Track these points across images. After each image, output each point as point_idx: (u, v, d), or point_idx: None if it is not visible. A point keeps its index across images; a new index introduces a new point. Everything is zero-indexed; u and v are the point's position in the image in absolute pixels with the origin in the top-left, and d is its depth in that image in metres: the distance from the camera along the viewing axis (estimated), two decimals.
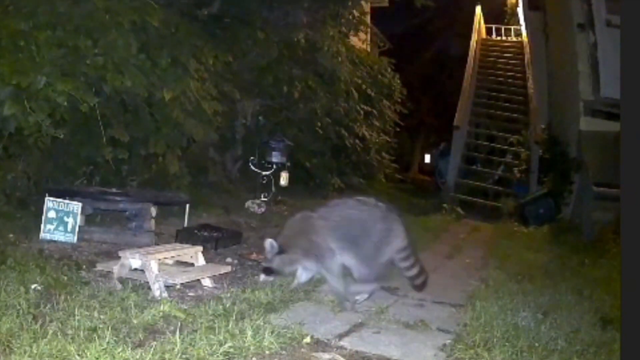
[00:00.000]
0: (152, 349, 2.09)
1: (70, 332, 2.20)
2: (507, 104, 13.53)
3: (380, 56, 14.67)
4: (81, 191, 4.68)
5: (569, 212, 8.82)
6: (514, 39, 17.11)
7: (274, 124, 8.65)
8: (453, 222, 8.74)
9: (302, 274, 3.34)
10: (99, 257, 3.78)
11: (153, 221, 4.51)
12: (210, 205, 6.29)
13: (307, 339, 2.45)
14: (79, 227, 4.23)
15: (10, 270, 3.02)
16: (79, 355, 2.00)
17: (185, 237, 4.37)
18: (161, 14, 5.05)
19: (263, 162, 6.99)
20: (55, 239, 4.12)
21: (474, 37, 15.68)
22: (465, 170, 12.52)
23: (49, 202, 4.18)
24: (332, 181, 9.74)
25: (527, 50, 14.46)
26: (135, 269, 3.09)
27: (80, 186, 5.12)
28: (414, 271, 3.37)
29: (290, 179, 6.83)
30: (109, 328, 2.22)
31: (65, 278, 3.02)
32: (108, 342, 2.09)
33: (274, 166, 6.93)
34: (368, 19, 13.41)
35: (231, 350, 2.21)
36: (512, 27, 17.49)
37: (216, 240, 4.50)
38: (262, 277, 3.29)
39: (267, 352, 2.27)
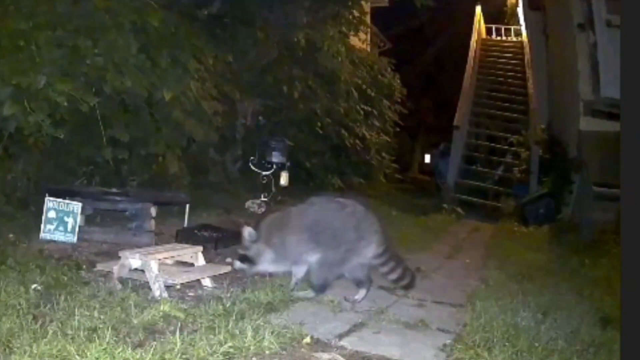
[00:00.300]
0: (152, 349, 2.09)
1: (70, 332, 2.19)
2: (507, 104, 13.53)
3: (380, 56, 14.67)
4: (81, 191, 4.67)
5: (569, 212, 8.82)
6: (514, 39, 17.12)
7: (274, 124, 8.66)
8: (453, 222, 8.75)
9: (298, 271, 3.32)
10: (99, 257, 3.78)
11: (153, 221, 4.51)
12: (210, 205, 6.29)
13: (307, 339, 2.44)
14: (79, 227, 4.23)
15: (10, 270, 3.02)
16: (79, 355, 1.99)
17: (185, 237, 4.37)
18: (161, 14, 5.05)
19: (263, 162, 6.99)
20: (55, 239, 4.12)
21: (474, 37, 15.69)
22: (465, 171, 12.53)
23: (49, 202, 4.18)
24: (332, 181, 9.74)
25: (527, 50, 14.47)
26: (135, 269, 3.09)
27: (80, 186, 5.12)
28: (394, 275, 3.26)
29: (290, 179, 6.84)
30: (109, 328, 2.22)
31: (65, 278, 3.02)
32: (108, 342, 2.09)
33: (274, 166, 6.93)
34: (368, 19, 13.42)
35: (231, 350, 2.21)
36: (512, 27, 17.50)
37: (216, 240, 4.49)
38: (237, 264, 3.33)
39: (267, 352, 2.27)
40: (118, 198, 4.60)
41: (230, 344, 2.23)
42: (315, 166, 9.40)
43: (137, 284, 3.10)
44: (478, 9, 16.78)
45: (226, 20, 7.14)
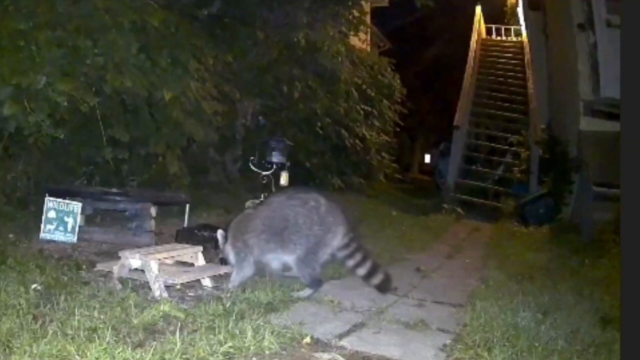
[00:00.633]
0: (152, 349, 2.09)
1: (70, 332, 2.19)
2: (507, 104, 13.53)
3: (380, 56, 14.68)
4: (81, 191, 4.67)
5: (569, 212, 8.82)
6: (514, 39, 17.12)
7: (274, 124, 8.66)
8: (453, 222, 8.75)
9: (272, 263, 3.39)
10: (99, 257, 3.78)
11: (153, 221, 4.51)
12: (210, 205, 6.29)
13: (307, 339, 2.44)
14: (79, 227, 4.23)
15: (10, 270, 3.02)
16: (79, 355, 1.99)
17: (185, 237, 4.37)
18: (161, 14, 5.05)
19: (263, 162, 6.97)
20: (55, 239, 4.12)
21: (474, 37, 15.69)
22: (465, 170, 12.52)
23: (49, 202, 4.18)
24: (332, 181, 9.75)
25: (527, 50, 14.47)
26: (135, 269, 3.09)
27: (80, 186, 5.12)
28: (363, 269, 3.24)
29: (290, 179, 6.81)
30: (109, 328, 2.22)
31: (65, 278, 3.02)
32: (108, 342, 2.09)
33: (274, 166, 6.91)
34: (368, 19, 13.41)
35: (231, 350, 2.21)
36: (512, 27, 17.50)
37: (216, 240, 4.49)
38: (223, 268, 3.43)
39: (267, 352, 2.27)
40: (118, 198, 4.60)
41: (230, 344, 2.23)
42: (315, 166, 9.41)
43: (137, 284, 3.10)
44: (478, 9, 16.78)
45: (226, 20, 7.14)
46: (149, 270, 3.00)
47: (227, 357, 2.17)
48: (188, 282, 3.23)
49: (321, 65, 9.41)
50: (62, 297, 2.63)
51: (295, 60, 8.82)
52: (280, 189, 6.83)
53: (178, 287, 3.17)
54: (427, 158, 23.55)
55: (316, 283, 3.22)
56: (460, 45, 16.18)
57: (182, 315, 2.57)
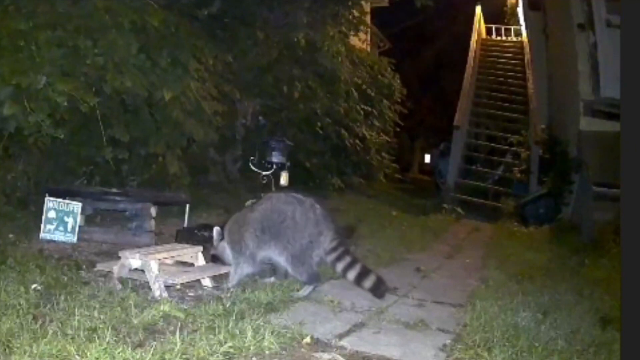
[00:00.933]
0: (152, 349, 2.09)
1: (70, 332, 2.19)
2: (507, 104, 13.54)
3: (380, 56, 14.68)
4: (81, 191, 4.67)
5: (569, 212, 8.83)
6: (514, 39, 17.13)
7: (274, 124, 8.65)
8: (453, 222, 8.75)
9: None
10: (99, 257, 3.78)
11: (153, 221, 4.51)
12: (210, 205, 6.29)
13: (307, 339, 2.44)
14: (79, 227, 4.23)
15: (10, 270, 3.02)
16: (79, 355, 1.99)
17: (185, 237, 4.37)
18: (161, 14, 5.05)
19: (263, 162, 6.97)
20: (55, 239, 4.12)
21: (474, 37, 15.69)
22: (465, 170, 12.53)
23: (49, 202, 4.18)
24: (332, 181, 9.75)
25: (527, 50, 14.48)
26: (135, 269, 3.09)
27: (80, 186, 5.12)
28: (353, 273, 3.20)
29: (290, 179, 6.82)
30: (109, 328, 2.22)
31: (65, 278, 3.02)
32: (108, 342, 2.09)
33: (274, 166, 6.91)
34: (368, 19, 13.42)
35: (231, 350, 2.21)
36: (512, 27, 17.50)
37: None
38: (222, 267, 3.44)
39: (267, 352, 2.27)
40: (118, 198, 4.60)
41: (230, 344, 2.23)
42: (315, 166, 9.40)
43: (137, 284, 3.10)
44: (478, 9, 16.79)
45: (226, 20, 7.14)
46: (149, 270, 3.00)
47: (227, 357, 2.17)
48: (188, 282, 3.23)
49: (321, 65, 9.41)
50: (62, 297, 2.63)
51: (295, 60, 8.82)
52: (280, 189, 6.85)
53: (178, 287, 3.17)
54: (427, 158, 23.55)
55: (314, 279, 3.23)
56: (460, 45, 16.19)
57: (182, 315, 2.57)
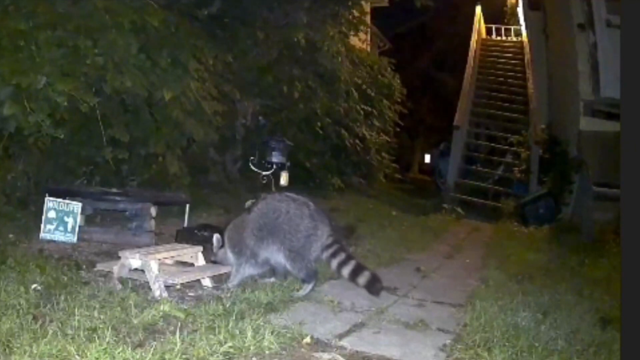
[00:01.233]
0: (152, 349, 2.09)
1: (70, 332, 2.19)
2: (507, 104, 13.54)
3: (380, 56, 14.67)
4: (81, 191, 4.67)
5: (569, 212, 8.83)
6: (514, 39, 17.13)
7: (274, 124, 8.65)
8: (453, 222, 8.75)
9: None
10: (99, 257, 3.78)
11: (153, 221, 4.51)
12: (210, 205, 6.29)
13: (307, 339, 2.44)
14: (79, 227, 4.23)
15: (10, 270, 3.02)
16: (79, 355, 1.99)
17: (185, 237, 4.37)
18: (161, 14, 5.05)
19: (263, 162, 6.98)
20: (55, 239, 4.12)
21: (474, 37, 15.70)
22: (465, 170, 12.53)
23: (49, 202, 4.18)
24: (332, 181, 9.75)
25: (527, 50, 14.48)
26: (135, 269, 3.09)
27: (80, 186, 5.12)
28: (347, 269, 3.21)
29: (290, 179, 6.83)
30: (109, 328, 2.22)
31: (65, 278, 3.02)
32: (108, 342, 2.09)
33: (274, 166, 6.92)
34: (368, 19, 13.41)
35: (231, 350, 2.21)
36: (512, 27, 17.50)
37: None
38: (222, 267, 3.45)
39: (267, 352, 2.27)
40: (118, 198, 4.60)
41: (230, 344, 2.23)
42: (315, 166, 9.40)
43: (137, 284, 3.10)
44: (478, 9, 16.79)
45: (226, 20, 7.14)
46: (149, 270, 3.00)
47: (227, 357, 2.17)
48: (188, 282, 3.23)
49: (321, 65, 9.40)
50: (62, 297, 2.63)
51: (295, 60, 8.81)
52: (280, 189, 6.86)
53: (178, 287, 3.17)
54: (427, 158, 23.55)
55: (312, 276, 3.25)
56: (460, 45, 16.19)
57: (182, 315, 2.57)
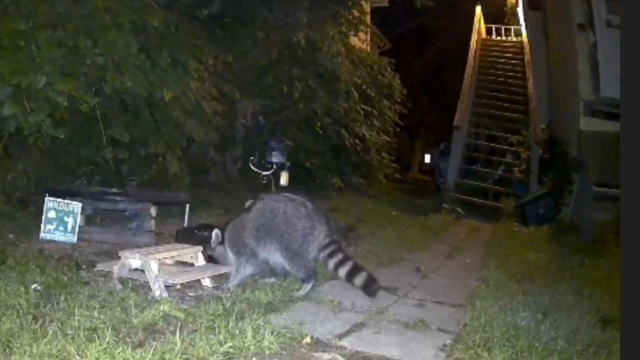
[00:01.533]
0: (152, 349, 2.09)
1: (70, 332, 2.19)
2: (507, 104, 13.54)
3: (380, 56, 14.67)
4: (81, 191, 4.67)
5: (569, 212, 8.83)
6: (514, 39, 17.13)
7: (274, 124, 8.65)
8: (453, 222, 8.75)
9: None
10: (99, 257, 3.78)
11: (153, 221, 4.51)
12: (210, 205, 6.28)
13: (307, 339, 2.44)
14: (79, 227, 4.23)
15: (10, 270, 3.02)
16: (79, 355, 1.99)
17: (185, 237, 4.35)
18: (161, 14, 5.05)
19: (263, 162, 6.98)
20: (55, 239, 4.12)
21: (474, 37, 15.70)
22: (465, 170, 12.53)
23: (49, 202, 4.17)
24: (332, 181, 9.75)
25: (527, 50, 14.48)
26: (135, 269, 3.09)
27: (80, 186, 5.12)
28: (344, 269, 3.21)
29: (290, 179, 6.83)
30: (109, 328, 2.22)
31: (65, 278, 3.02)
32: (108, 342, 2.09)
33: (274, 166, 6.92)
34: (368, 19, 13.41)
35: (231, 350, 2.21)
36: (512, 27, 17.50)
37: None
38: (222, 267, 3.48)
39: (267, 352, 2.27)
40: (118, 198, 4.60)
41: (230, 344, 2.23)
42: (315, 166, 9.40)
43: (137, 284, 3.10)
44: (478, 9, 16.79)
45: (226, 20, 7.13)
46: (149, 270, 3.00)
47: (227, 357, 2.17)
48: (188, 282, 3.23)
49: (321, 65, 9.41)
50: (62, 297, 2.63)
51: (295, 60, 8.81)
52: (280, 189, 6.86)
53: (178, 287, 3.18)
54: (427, 158, 23.55)
55: (311, 275, 3.25)
56: (460, 45, 16.19)
57: (182, 315, 2.57)
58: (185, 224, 4.93)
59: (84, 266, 3.42)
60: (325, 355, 2.32)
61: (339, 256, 3.25)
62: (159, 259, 3.15)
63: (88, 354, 1.99)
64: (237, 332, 2.35)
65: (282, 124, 8.79)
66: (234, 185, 7.85)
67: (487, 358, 2.39)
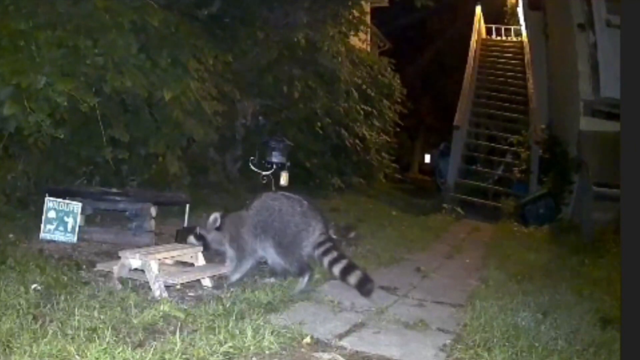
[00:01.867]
0: (152, 349, 2.09)
1: (70, 332, 2.19)
2: (507, 104, 13.54)
3: (380, 56, 14.68)
4: (81, 191, 4.67)
5: (569, 212, 8.83)
6: (514, 39, 17.13)
7: (274, 124, 8.65)
8: (453, 222, 8.75)
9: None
10: (99, 257, 3.78)
11: (153, 221, 4.51)
12: (210, 205, 6.27)
13: (307, 339, 2.44)
14: (79, 227, 4.22)
15: (10, 270, 3.02)
16: (79, 355, 1.99)
17: (185, 237, 4.36)
18: (161, 14, 5.05)
19: (263, 162, 6.97)
20: (55, 239, 4.12)
21: (474, 37, 15.70)
22: (465, 170, 12.54)
23: (49, 202, 4.17)
24: (332, 181, 9.75)
25: (527, 50, 14.49)
26: (135, 269, 3.09)
27: (80, 186, 5.12)
28: (338, 267, 3.19)
29: (290, 179, 6.82)
30: (109, 328, 2.22)
31: (65, 278, 3.02)
32: (108, 342, 2.09)
33: (274, 166, 6.91)
34: (368, 19, 13.42)
35: (231, 350, 2.21)
36: (512, 27, 17.51)
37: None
38: (191, 239, 3.54)
39: (267, 352, 2.27)
40: (118, 198, 4.60)
41: (230, 344, 2.23)
42: (315, 166, 9.41)
43: (137, 284, 3.10)
44: (478, 9, 16.80)
45: (226, 20, 7.14)
46: (149, 270, 3.00)
47: (227, 357, 2.17)
48: (188, 282, 3.23)
49: (321, 65, 9.41)
50: (62, 297, 2.63)
51: (295, 60, 8.81)
52: (280, 189, 6.85)
53: (178, 287, 3.18)
54: (427, 158, 23.54)
55: (305, 269, 3.28)
56: (460, 45, 16.19)
57: (182, 315, 2.57)
58: (185, 224, 4.93)
59: (84, 266, 3.42)
60: (325, 355, 2.32)
61: (334, 254, 3.25)
62: (159, 259, 3.15)
63: (88, 354, 1.99)
64: (237, 332, 2.35)
65: (282, 124, 8.79)
66: (234, 185, 7.85)
67: (487, 358, 2.39)
